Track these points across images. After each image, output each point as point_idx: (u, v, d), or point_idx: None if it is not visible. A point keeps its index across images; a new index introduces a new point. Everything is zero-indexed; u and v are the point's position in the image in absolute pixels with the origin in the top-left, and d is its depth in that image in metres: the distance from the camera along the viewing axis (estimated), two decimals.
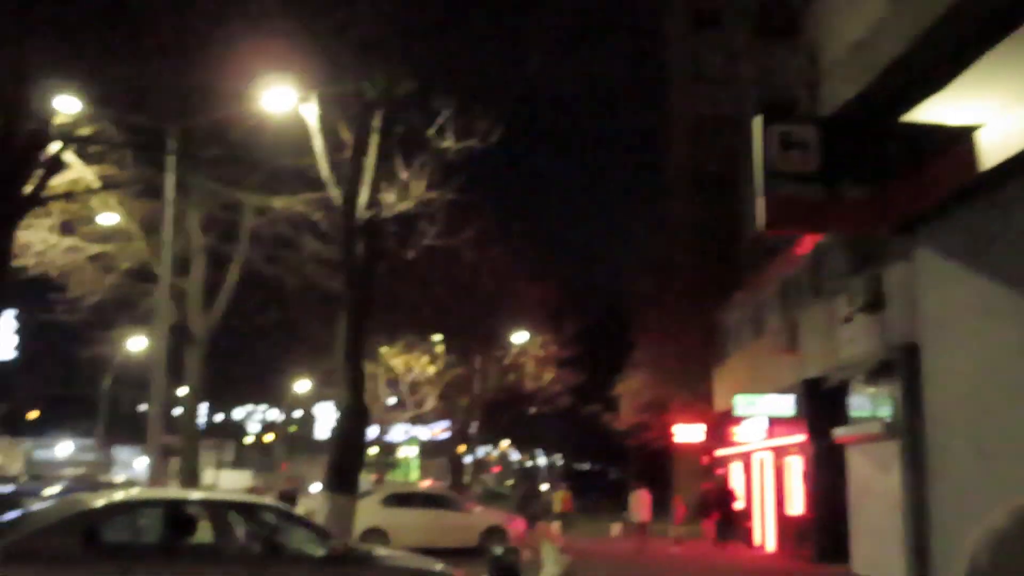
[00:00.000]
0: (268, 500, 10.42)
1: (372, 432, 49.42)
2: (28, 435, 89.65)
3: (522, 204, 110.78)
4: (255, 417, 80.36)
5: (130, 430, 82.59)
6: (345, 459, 14.89)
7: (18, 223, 13.09)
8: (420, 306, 37.19)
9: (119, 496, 9.94)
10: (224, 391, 70.48)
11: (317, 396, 63.02)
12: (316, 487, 49.59)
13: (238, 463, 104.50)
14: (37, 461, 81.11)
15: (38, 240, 17.50)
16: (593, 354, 42.41)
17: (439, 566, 10.91)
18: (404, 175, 15.42)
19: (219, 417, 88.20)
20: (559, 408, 42.66)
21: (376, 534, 24.73)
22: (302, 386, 60.53)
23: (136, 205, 18.43)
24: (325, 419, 74.32)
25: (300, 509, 27.13)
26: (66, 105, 13.62)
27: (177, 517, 9.56)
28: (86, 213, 18.07)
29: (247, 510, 10.60)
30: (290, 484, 29.49)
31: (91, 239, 18.09)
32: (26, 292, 18.90)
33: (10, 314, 40.09)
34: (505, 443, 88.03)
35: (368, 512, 24.90)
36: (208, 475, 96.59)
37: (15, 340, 40.04)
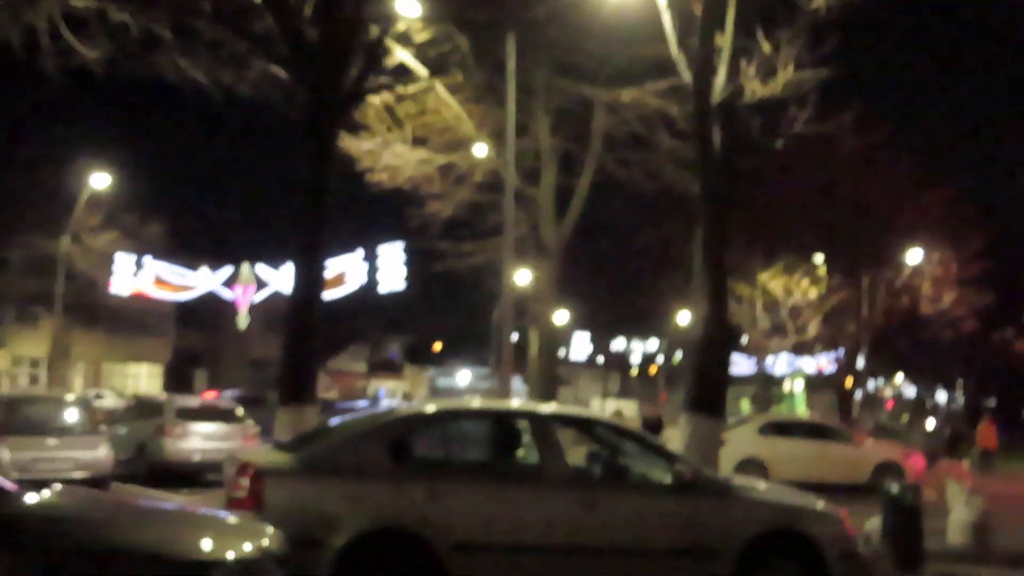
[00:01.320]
0: (609, 418, 8.82)
1: (750, 364, 47.01)
2: (432, 365, 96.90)
3: (911, 102, 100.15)
4: (637, 349, 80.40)
5: (523, 359, 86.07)
6: (707, 377, 13.04)
7: (342, 117, 12.51)
8: (799, 224, 34.28)
9: (431, 406, 8.81)
10: (606, 322, 71.06)
11: None
12: None
13: (623, 393, 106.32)
14: (440, 388, 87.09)
15: (389, 154, 17.12)
16: (1003, 272, 37.11)
17: (819, 503, 8.85)
18: (767, 49, 13.11)
19: (603, 352, 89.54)
20: (961, 334, 37.69)
21: (752, 465, 22.87)
22: (683, 317, 59.30)
23: (484, 113, 17.52)
24: None
25: (673, 441, 25.65)
26: (405, 8, 12.83)
27: (497, 431, 8.27)
28: (437, 124, 17.46)
29: (584, 427, 9.13)
30: (654, 411, 28.13)
31: (440, 149, 17.42)
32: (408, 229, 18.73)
33: (398, 245, 41.61)
34: (899, 377, 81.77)
35: (744, 441, 23.11)
36: (595, 404, 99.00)
37: (404, 271, 41.52)
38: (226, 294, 49.41)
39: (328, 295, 48.29)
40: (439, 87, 16.13)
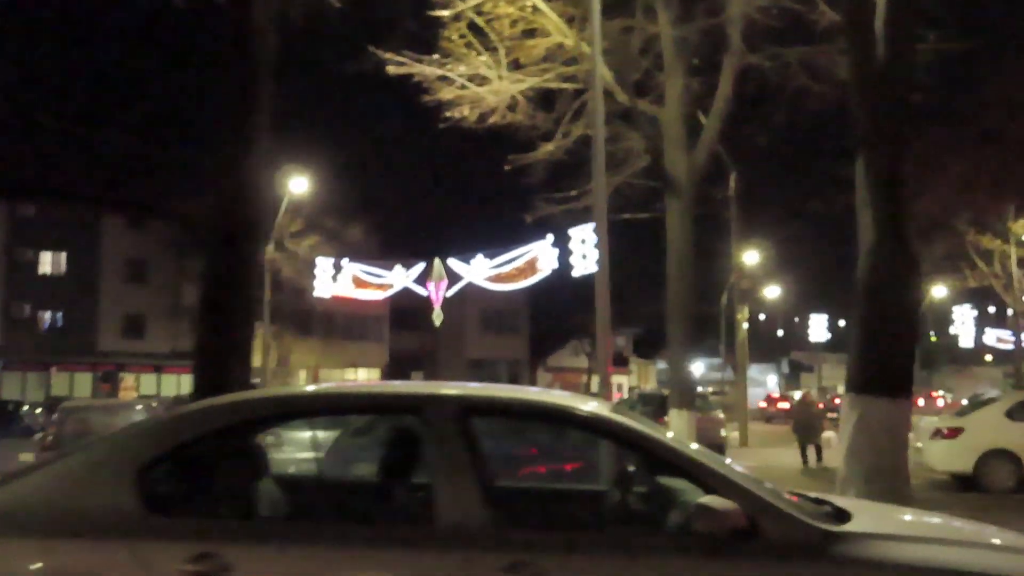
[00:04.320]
0: (585, 403, 4.38)
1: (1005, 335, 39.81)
2: (666, 356, 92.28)
3: None
4: None
5: (761, 346, 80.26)
6: (876, 339, 8.53)
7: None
8: None
9: (227, 399, 4.81)
10: (845, 298, 64.12)
11: (955, 298, 54.27)
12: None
13: None
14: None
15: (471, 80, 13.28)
16: None
17: None
18: None
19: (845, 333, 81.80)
20: None
21: (1001, 458, 17.64)
22: (938, 291, 52.43)
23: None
24: (965, 324, 64.66)
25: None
26: None
27: (350, 441, 4.35)
28: (537, 47, 13.53)
29: (546, 422, 5.05)
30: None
31: (531, 71, 13.33)
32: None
33: (589, 227, 37.90)
34: None
35: (988, 428, 18.04)
36: (841, 391, 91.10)
37: (596, 253, 37.51)
38: (420, 291, 47.63)
39: (519, 285, 45.53)
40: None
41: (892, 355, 8.60)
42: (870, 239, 8.75)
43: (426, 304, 50.81)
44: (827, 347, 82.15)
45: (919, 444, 19.16)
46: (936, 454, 18.28)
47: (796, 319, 70.90)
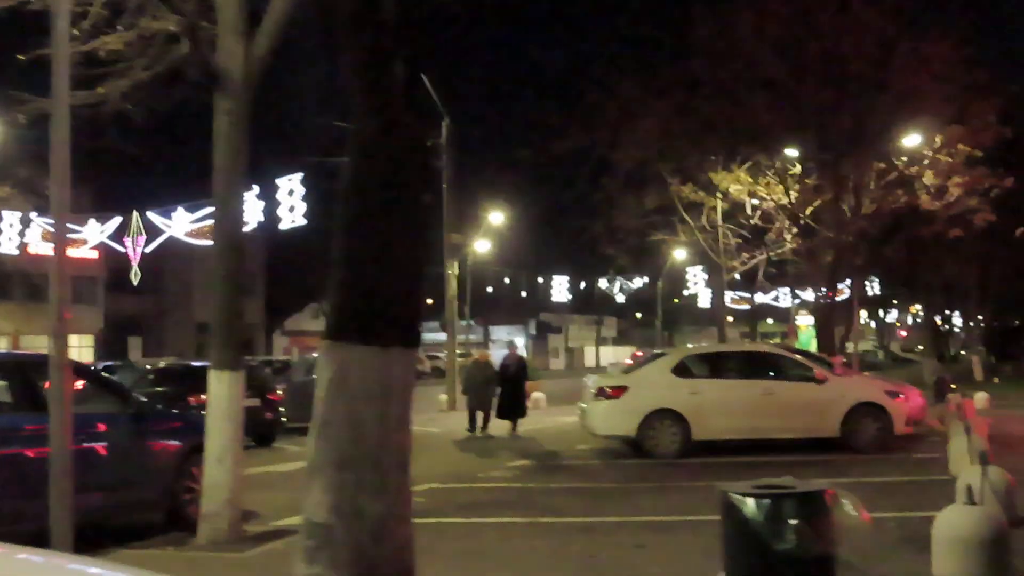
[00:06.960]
0: None
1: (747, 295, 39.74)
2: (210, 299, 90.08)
3: None
4: (620, 288, 72.43)
5: (508, 308, 79.57)
6: (365, 261, 6.01)
7: None
8: (760, 109, 26.82)
9: None
10: (587, 258, 63.26)
11: (693, 259, 54.40)
12: None
13: (622, 339, 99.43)
14: None
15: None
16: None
17: None
18: None
19: (589, 294, 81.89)
20: (975, 233, 29.13)
21: (666, 419, 16.02)
22: (680, 252, 52.35)
23: None
24: (699, 284, 65.80)
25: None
26: None
27: None
28: None
29: None
30: (515, 356, 20.77)
31: None
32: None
33: (297, 176, 35.14)
34: (916, 307, 73.83)
35: (653, 386, 16.37)
36: (588, 353, 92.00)
37: (303, 205, 35.15)
38: (117, 247, 43.06)
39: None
40: None
41: (384, 283, 6.05)
42: (358, 126, 6.16)
43: (151, 263, 46.21)
44: (573, 308, 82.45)
45: (583, 405, 17.46)
46: (598, 416, 16.45)
47: (540, 280, 70.06)
